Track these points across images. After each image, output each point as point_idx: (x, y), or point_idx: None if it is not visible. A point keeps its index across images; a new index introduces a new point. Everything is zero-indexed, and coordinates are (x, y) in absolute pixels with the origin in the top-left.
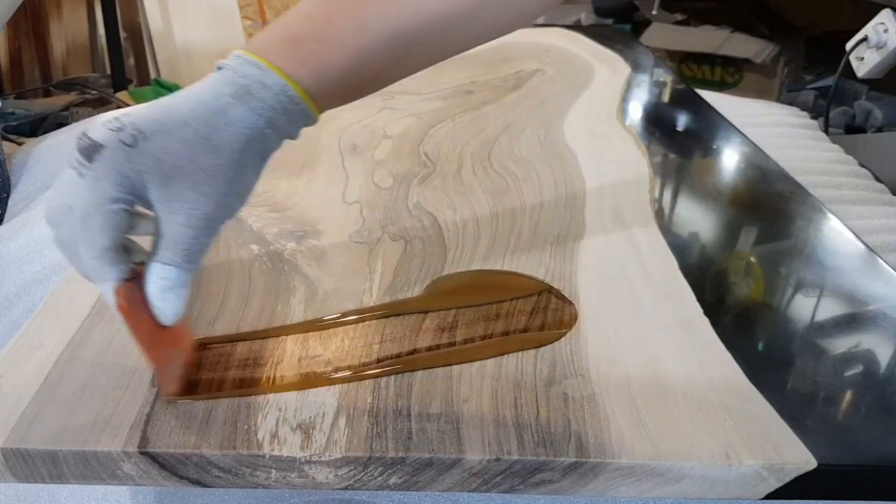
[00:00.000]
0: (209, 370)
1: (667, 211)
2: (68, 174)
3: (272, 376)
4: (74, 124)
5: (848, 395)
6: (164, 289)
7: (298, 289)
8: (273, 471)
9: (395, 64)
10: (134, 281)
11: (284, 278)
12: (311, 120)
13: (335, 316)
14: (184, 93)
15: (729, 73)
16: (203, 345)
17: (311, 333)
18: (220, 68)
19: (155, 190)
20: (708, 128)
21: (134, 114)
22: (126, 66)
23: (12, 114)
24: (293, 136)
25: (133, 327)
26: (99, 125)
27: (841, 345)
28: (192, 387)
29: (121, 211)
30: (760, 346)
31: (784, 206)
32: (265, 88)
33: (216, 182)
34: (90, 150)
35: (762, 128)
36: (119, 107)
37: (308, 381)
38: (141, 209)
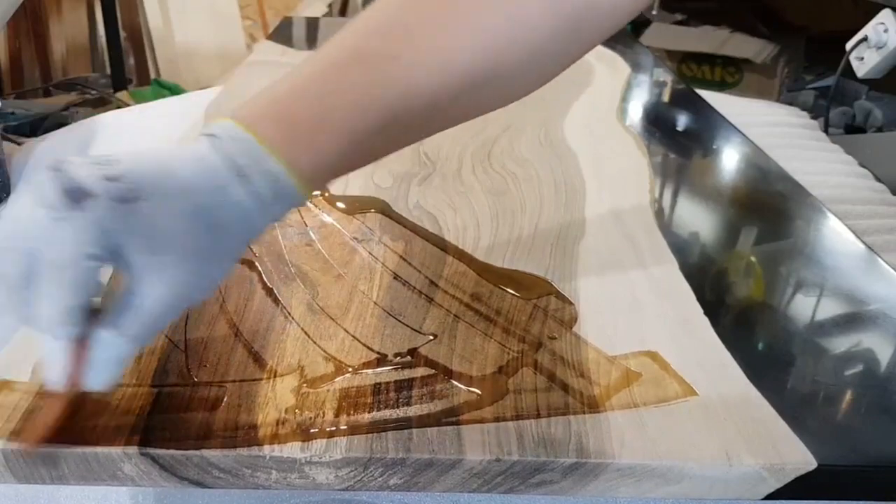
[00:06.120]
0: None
1: (667, 211)
2: (37, 213)
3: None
4: (74, 124)
5: (848, 395)
6: (110, 360)
7: (298, 289)
8: (273, 471)
9: (389, 145)
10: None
11: (284, 278)
12: (299, 204)
13: None
14: (178, 154)
15: (729, 73)
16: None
17: (311, 338)
18: (211, 134)
19: (139, 256)
20: (708, 128)
21: (128, 163)
22: (126, 66)
23: (12, 114)
24: (279, 219)
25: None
26: (88, 166)
27: (841, 345)
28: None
29: (98, 270)
30: (760, 346)
31: (784, 206)
32: (263, 175)
33: (205, 263)
34: (76, 196)
35: (762, 128)
36: (119, 107)
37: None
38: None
